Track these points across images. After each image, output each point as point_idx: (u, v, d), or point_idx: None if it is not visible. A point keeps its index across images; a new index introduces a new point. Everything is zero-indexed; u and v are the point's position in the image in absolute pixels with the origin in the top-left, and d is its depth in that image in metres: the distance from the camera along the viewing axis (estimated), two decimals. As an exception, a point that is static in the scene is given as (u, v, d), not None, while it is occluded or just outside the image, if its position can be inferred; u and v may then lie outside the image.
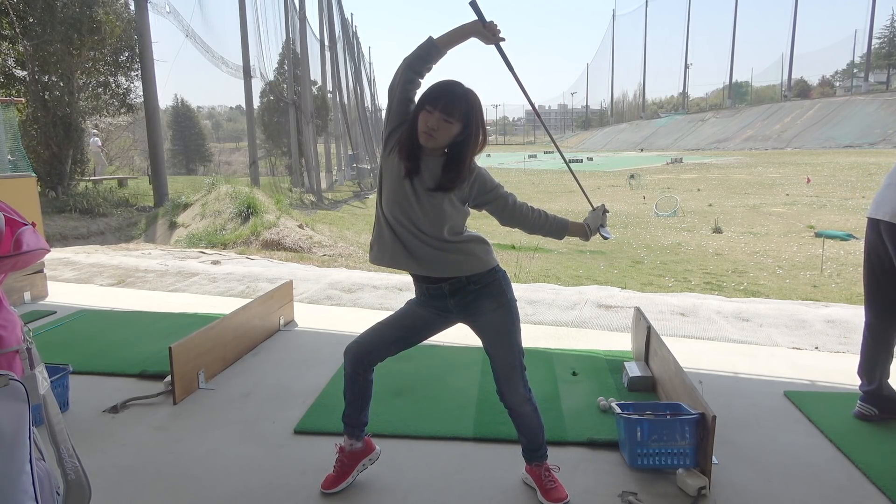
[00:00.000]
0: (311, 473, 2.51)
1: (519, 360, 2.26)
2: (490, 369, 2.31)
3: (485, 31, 2.11)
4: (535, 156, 61.11)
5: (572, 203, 20.50)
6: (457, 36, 2.14)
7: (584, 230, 2.34)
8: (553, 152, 69.85)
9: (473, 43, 2.23)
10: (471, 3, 2.11)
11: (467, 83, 2.10)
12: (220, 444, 2.78)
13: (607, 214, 2.40)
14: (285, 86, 22.54)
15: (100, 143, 19.65)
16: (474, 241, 2.22)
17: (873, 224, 2.89)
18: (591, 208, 2.42)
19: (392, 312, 2.39)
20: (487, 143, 2.19)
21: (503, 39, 2.16)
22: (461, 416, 3.00)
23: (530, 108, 2.42)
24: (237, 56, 17.11)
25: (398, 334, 2.32)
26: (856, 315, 4.82)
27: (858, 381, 3.04)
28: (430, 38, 2.13)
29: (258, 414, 3.08)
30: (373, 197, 24.60)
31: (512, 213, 2.26)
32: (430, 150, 2.11)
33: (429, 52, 2.11)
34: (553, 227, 2.30)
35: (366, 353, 2.30)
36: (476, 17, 2.11)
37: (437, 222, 2.13)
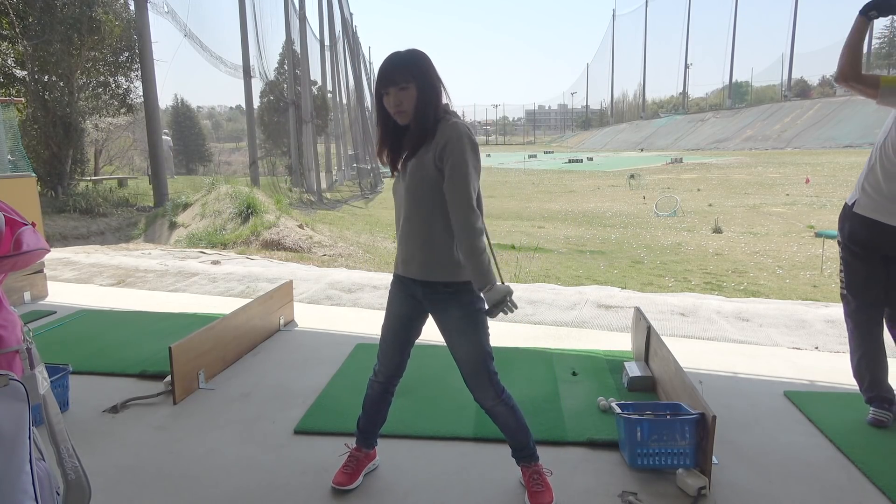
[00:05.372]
0: (311, 473, 2.51)
1: (483, 360, 2.17)
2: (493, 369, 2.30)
3: None
4: (535, 156, 61.09)
5: (572, 203, 20.51)
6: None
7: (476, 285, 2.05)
8: (553, 152, 69.73)
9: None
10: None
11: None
12: (220, 444, 2.78)
13: (508, 299, 2.00)
14: (285, 86, 22.53)
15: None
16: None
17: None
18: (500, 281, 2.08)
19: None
20: (450, 98, 2.09)
21: None
22: (461, 416, 3.00)
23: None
24: (237, 56, 17.14)
25: (402, 340, 2.32)
26: (856, 315, 4.81)
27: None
28: None
29: (258, 414, 3.08)
30: (374, 197, 24.68)
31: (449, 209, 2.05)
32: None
33: None
34: (465, 258, 2.05)
35: (397, 373, 2.36)
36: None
37: (421, 201, 2.07)
